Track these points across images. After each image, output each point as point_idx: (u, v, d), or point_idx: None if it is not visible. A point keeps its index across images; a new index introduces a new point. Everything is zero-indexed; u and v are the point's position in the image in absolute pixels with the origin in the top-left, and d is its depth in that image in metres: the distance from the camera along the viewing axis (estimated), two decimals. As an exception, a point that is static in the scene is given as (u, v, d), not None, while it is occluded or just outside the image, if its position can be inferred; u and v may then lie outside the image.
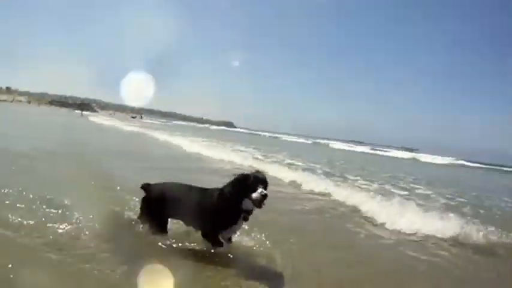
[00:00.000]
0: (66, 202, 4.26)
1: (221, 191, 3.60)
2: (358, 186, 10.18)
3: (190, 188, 3.82)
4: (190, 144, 17.91)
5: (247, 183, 3.43)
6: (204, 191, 3.75)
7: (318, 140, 71.58)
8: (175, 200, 3.66)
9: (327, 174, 12.23)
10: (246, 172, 3.61)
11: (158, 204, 3.71)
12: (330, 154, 30.59)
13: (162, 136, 22.81)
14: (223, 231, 3.62)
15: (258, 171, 3.64)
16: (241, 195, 3.45)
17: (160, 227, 3.75)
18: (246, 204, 3.47)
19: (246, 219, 3.58)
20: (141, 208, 3.87)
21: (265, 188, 3.45)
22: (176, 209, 3.67)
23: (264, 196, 3.36)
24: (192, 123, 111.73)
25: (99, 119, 33.19)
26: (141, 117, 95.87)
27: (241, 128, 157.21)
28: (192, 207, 3.60)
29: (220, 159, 13.52)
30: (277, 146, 31.25)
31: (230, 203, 3.49)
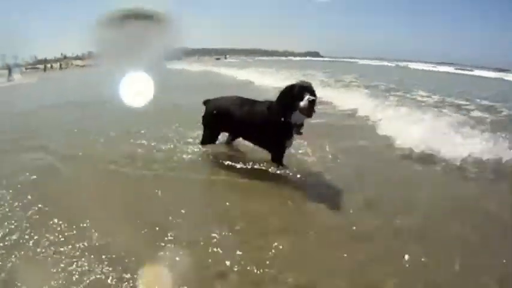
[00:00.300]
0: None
1: (270, 103, 3.49)
2: (414, 99, 9.91)
3: (243, 100, 3.77)
4: (251, 75, 18.21)
5: (293, 93, 3.25)
6: (255, 103, 3.67)
7: (401, 63, 64.74)
8: (229, 112, 3.70)
9: (389, 90, 11.96)
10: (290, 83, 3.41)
11: (212, 116, 3.85)
12: (405, 74, 28.31)
13: (228, 72, 23.06)
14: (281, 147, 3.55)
15: (302, 81, 3.43)
16: (289, 107, 3.28)
17: (210, 138, 3.97)
18: (296, 117, 3.32)
19: (299, 133, 3.44)
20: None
21: (312, 94, 3.22)
22: (229, 120, 3.73)
23: (312, 102, 3.16)
24: (275, 58, 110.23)
25: (177, 65, 34.42)
26: (225, 57, 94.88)
27: (327, 57, 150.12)
28: (244, 121, 3.63)
29: (270, 84, 12.98)
30: (352, 69, 29.81)
31: (279, 117, 3.36)
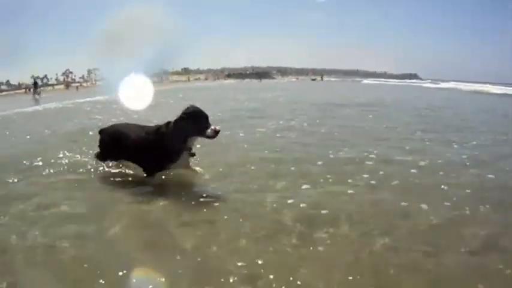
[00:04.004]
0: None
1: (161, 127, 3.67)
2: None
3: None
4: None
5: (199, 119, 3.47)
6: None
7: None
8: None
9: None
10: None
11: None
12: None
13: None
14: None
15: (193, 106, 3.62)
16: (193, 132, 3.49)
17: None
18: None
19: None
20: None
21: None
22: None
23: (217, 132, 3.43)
24: (357, 79, 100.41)
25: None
26: (322, 78, 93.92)
27: (426, 79, 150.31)
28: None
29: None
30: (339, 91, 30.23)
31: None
